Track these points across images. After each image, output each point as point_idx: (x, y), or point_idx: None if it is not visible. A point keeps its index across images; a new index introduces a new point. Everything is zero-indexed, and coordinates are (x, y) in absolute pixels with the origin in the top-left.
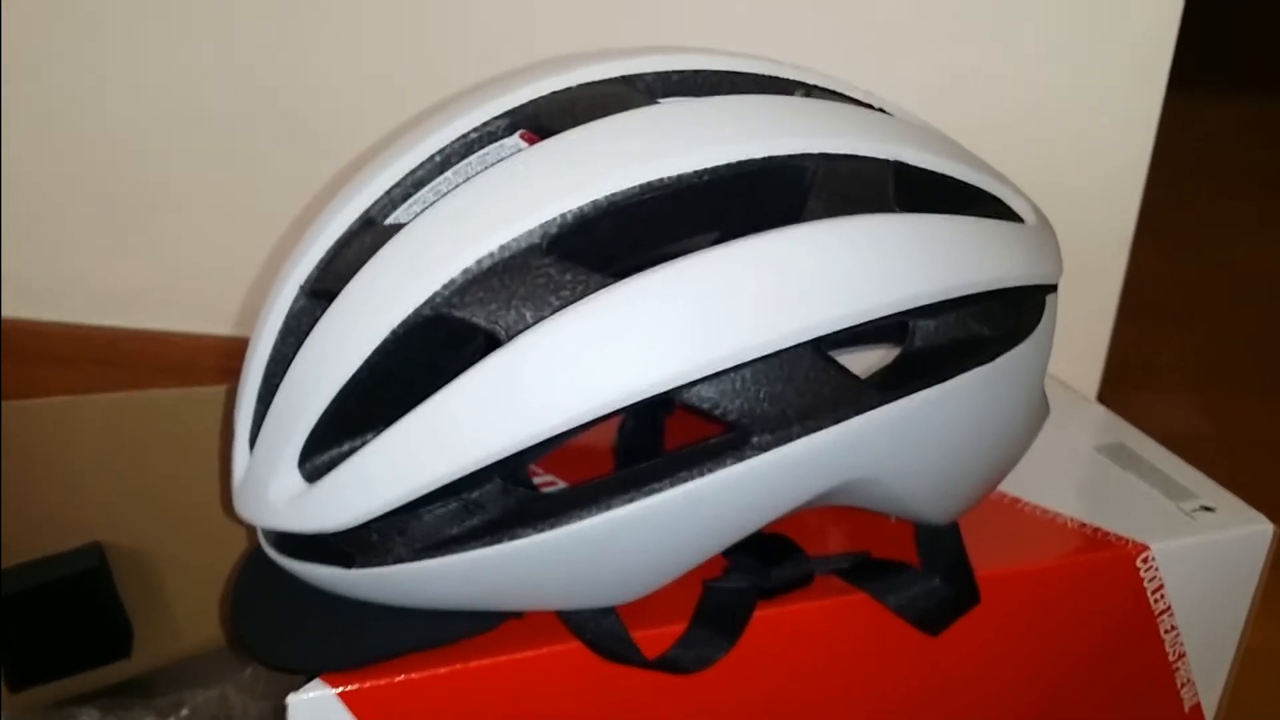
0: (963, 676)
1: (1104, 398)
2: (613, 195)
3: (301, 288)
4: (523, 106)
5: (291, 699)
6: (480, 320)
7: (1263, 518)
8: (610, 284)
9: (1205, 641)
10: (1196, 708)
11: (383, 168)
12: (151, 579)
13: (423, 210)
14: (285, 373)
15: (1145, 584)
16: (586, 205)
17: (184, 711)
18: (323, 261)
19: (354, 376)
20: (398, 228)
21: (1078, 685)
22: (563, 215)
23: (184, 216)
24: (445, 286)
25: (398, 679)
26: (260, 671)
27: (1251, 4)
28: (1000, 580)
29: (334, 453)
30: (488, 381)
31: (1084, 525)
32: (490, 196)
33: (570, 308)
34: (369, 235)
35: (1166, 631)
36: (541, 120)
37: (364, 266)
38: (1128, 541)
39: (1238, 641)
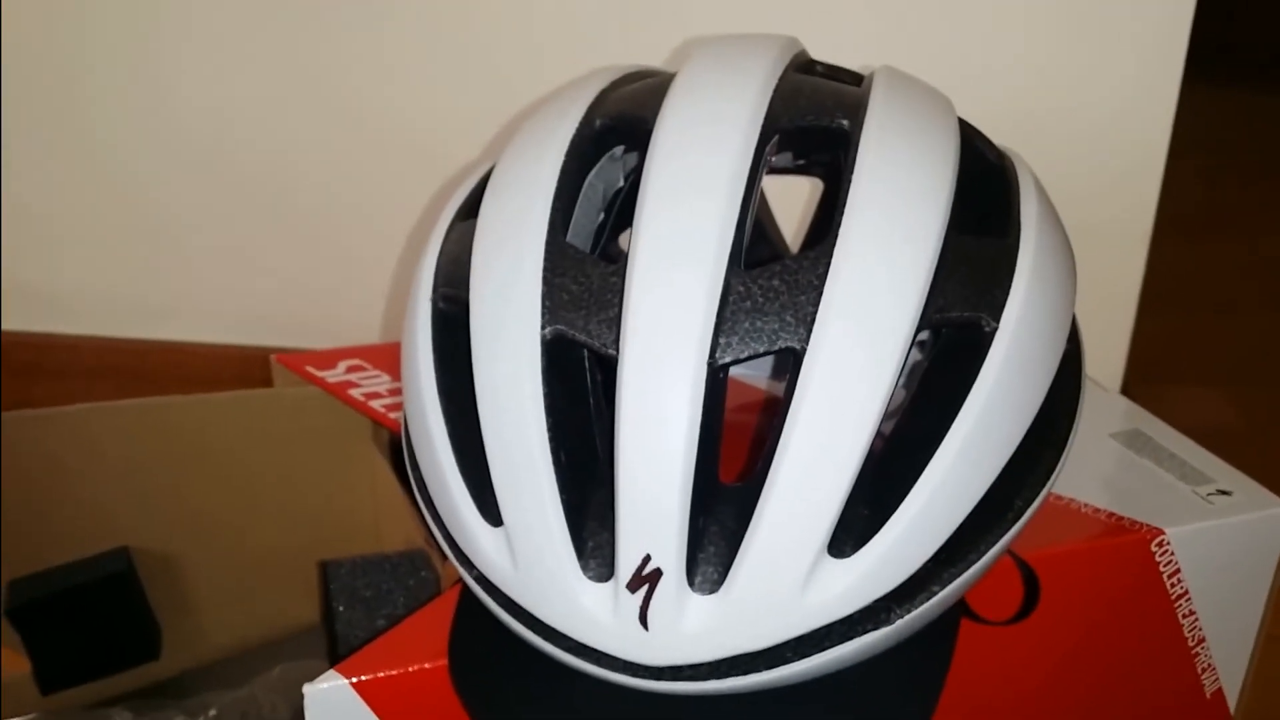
0: (979, 662)
1: (1128, 391)
2: None
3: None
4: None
5: (308, 688)
6: None
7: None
8: None
9: (1225, 626)
10: (1219, 693)
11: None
12: (178, 582)
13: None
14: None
15: (1161, 569)
16: None
17: (212, 711)
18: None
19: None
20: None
21: (1097, 672)
22: None
23: (207, 229)
24: None
25: (410, 669)
26: (287, 672)
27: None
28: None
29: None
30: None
31: (1099, 511)
32: None
33: None
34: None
35: (1185, 616)
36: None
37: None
38: (1143, 526)
39: (1258, 626)
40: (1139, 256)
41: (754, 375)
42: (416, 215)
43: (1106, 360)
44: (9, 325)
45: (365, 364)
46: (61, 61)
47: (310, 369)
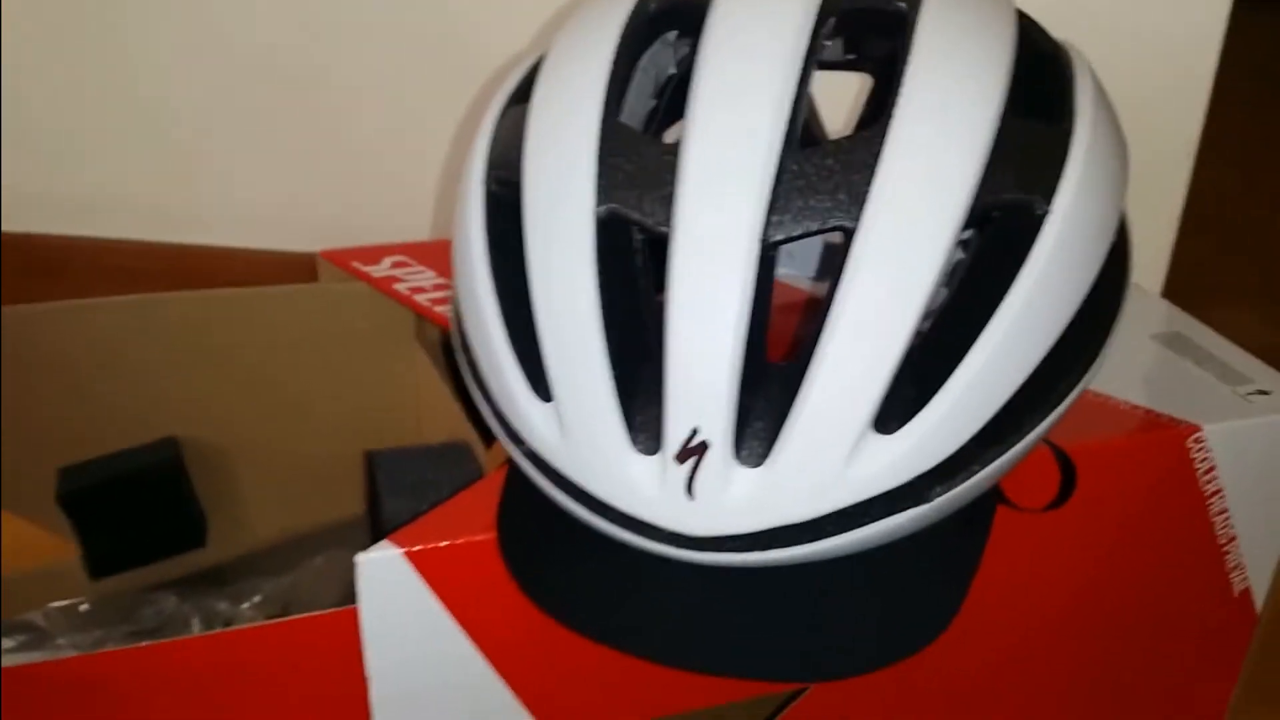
0: (1012, 550)
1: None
2: None
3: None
4: None
5: (360, 558)
6: None
7: None
8: None
9: (1255, 526)
10: (1246, 592)
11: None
12: (224, 473)
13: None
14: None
15: (1196, 465)
16: None
17: (256, 598)
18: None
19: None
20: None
21: (1128, 565)
22: None
23: (246, 133)
24: None
25: (461, 541)
26: (331, 561)
27: None
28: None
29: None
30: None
31: (1135, 407)
32: None
33: None
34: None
35: (1217, 514)
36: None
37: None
38: (1180, 422)
39: None
40: (1183, 175)
41: (797, 276)
42: (461, 112)
43: (1146, 277)
44: (46, 229)
45: (411, 260)
46: None
47: (356, 264)
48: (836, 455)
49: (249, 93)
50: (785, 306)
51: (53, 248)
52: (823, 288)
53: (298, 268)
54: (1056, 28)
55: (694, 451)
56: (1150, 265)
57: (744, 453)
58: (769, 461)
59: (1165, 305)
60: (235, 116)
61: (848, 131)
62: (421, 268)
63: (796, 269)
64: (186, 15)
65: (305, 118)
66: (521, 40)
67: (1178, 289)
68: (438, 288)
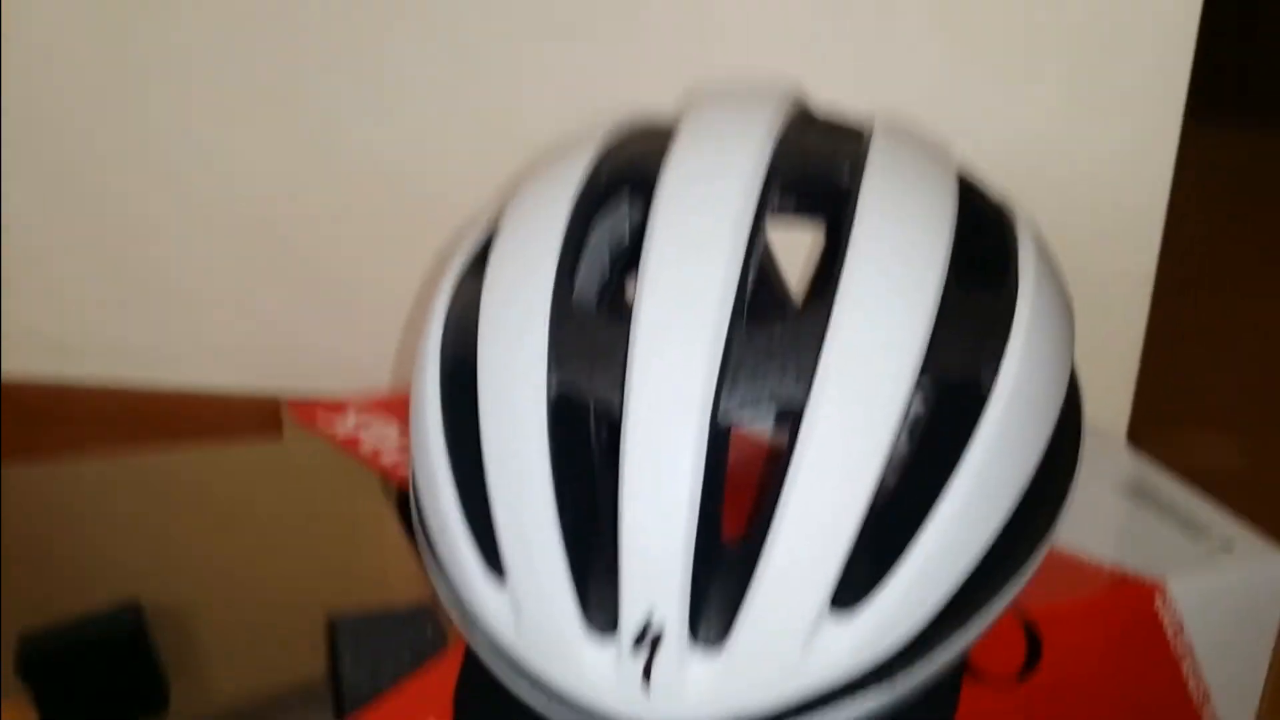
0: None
1: (1134, 433)
2: None
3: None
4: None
5: None
6: None
7: None
8: None
9: (1230, 681)
10: None
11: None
12: (187, 635)
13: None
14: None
15: (1164, 623)
16: None
17: None
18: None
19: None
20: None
21: None
22: None
23: (214, 276)
24: None
25: None
26: None
27: (1260, 34)
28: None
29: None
30: None
31: (1101, 564)
32: None
33: None
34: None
35: (1189, 671)
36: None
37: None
38: (1145, 580)
39: (1263, 681)
40: (1143, 299)
41: (757, 424)
42: (427, 260)
43: (1113, 402)
44: (13, 369)
45: (375, 416)
46: (67, 110)
47: (320, 420)
48: (794, 641)
49: (219, 238)
50: (745, 460)
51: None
52: (783, 437)
53: (265, 410)
54: (1007, 161)
55: (650, 637)
56: (1117, 393)
57: (701, 636)
58: (726, 648)
59: (1127, 452)
60: (206, 260)
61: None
62: (387, 423)
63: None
64: (157, 157)
65: (274, 263)
66: (483, 193)
67: (1145, 416)
68: (403, 447)
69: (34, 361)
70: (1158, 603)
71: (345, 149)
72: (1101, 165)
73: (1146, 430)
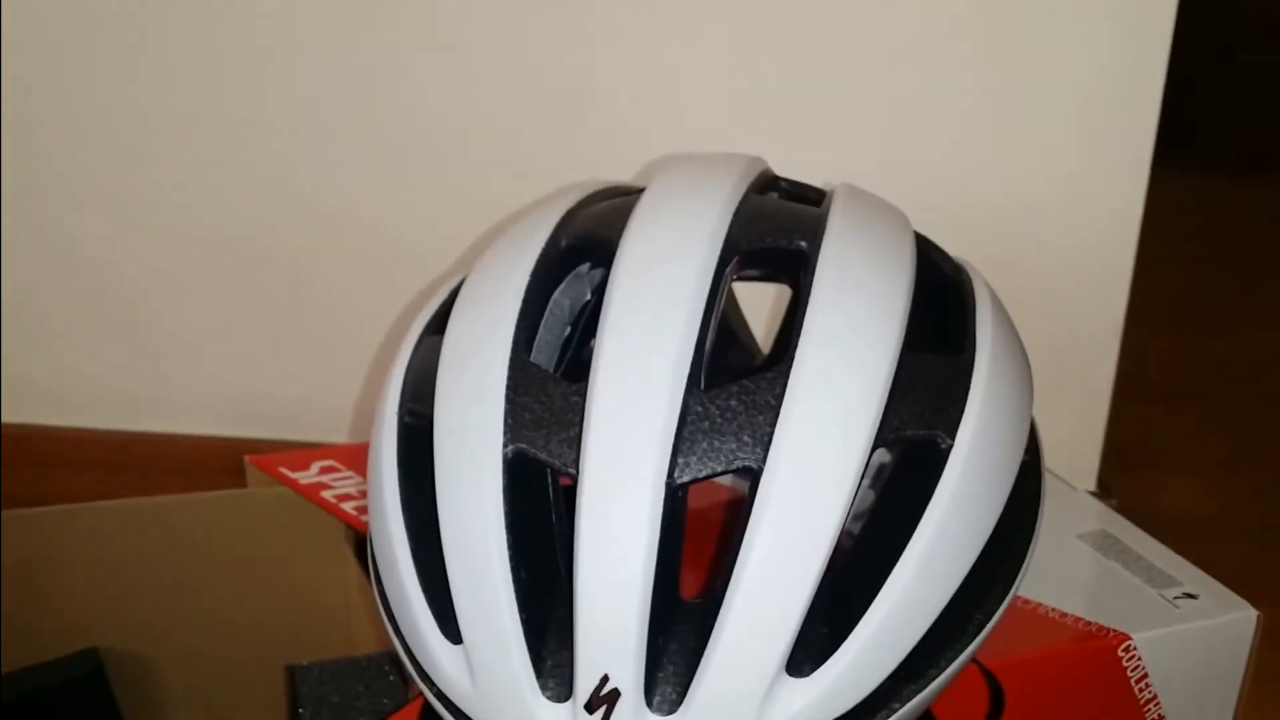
0: None
1: (1104, 479)
2: None
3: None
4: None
5: None
6: None
7: (1246, 604)
8: None
9: None
10: None
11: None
12: (147, 684)
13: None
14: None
15: (1129, 673)
16: None
17: None
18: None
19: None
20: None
21: None
22: None
23: (187, 324)
24: None
25: None
26: None
27: (1208, 84)
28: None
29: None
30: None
31: (1065, 615)
32: None
33: None
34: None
35: None
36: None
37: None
38: (1110, 632)
39: None
40: (1112, 347)
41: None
42: (393, 316)
43: (1083, 451)
44: None
45: (338, 465)
46: (52, 155)
47: (284, 470)
48: (750, 702)
49: (188, 281)
50: (708, 508)
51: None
52: (744, 485)
53: (236, 455)
54: (975, 209)
55: (605, 700)
56: (1087, 436)
57: (656, 699)
58: (682, 710)
59: (1092, 502)
60: (178, 308)
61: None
62: (349, 473)
63: None
64: (137, 207)
65: (246, 313)
66: (451, 251)
67: (1116, 458)
68: (364, 494)
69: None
70: (1122, 654)
71: (321, 202)
72: (1070, 219)
73: (1116, 477)
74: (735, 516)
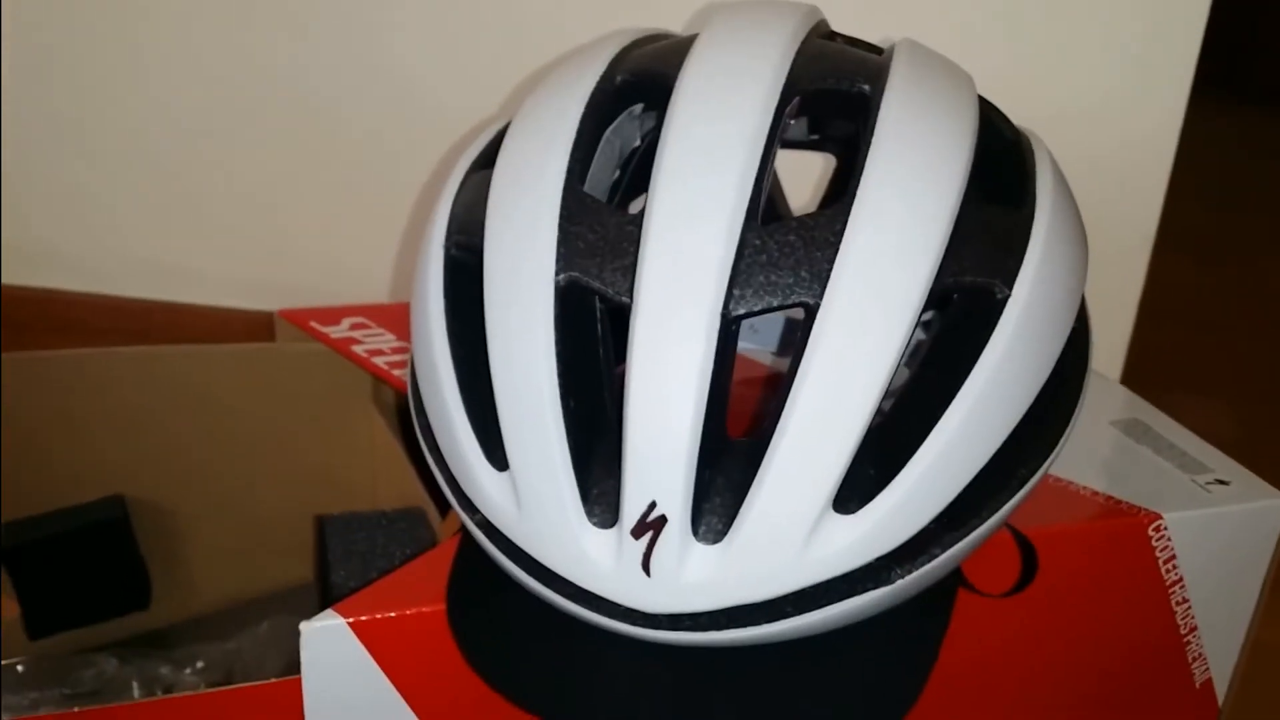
0: (973, 635)
1: None
2: None
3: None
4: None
5: (304, 626)
6: None
7: (1278, 493)
8: None
9: (1217, 617)
10: (1208, 684)
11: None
12: (172, 534)
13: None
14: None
15: (1157, 554)
16: None
17: (199, 664)
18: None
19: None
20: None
21: (1088, 653)
22: None
23: (212, 189)
24: None
25: (408, 612)
26: (275, 627)
27: (1267, 16)
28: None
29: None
30: None
31: (1097, 494)
32: None
33: None
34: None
35: (1178, 604)
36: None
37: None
38: (1141, 510)
39: (1250, 619)
40: (1139, 268)
41: (759, 350)
42: (425, 176)
43: (1105, 366)
44: (11, 280)
45: (369, 321)
46: (66, 27)
47: (314, 324)
48: (796, 535)
49: (217, 148)
50: (747, 381)
51: (9, 300)
52: (784, 363)
53: (259, 326)
54: (1017, 117)
55: (651, 526)
56: (1109, 355)
57: (702, 529)
58: (727, 540)
59: (1124, 391)
60: (202, 172)
61: (812, 209)
62: (380, 330)
63: (759, 343)
64: (156, 71)
65: (274, 177)
66: (486, 107)
67: (1136, 379)
68: (396, 350)
69: (31, 274)
70: (1152, 533)
71: (351, 57)
72: (1107, 134)
73: (1139, 390)
74: (778, 384)
